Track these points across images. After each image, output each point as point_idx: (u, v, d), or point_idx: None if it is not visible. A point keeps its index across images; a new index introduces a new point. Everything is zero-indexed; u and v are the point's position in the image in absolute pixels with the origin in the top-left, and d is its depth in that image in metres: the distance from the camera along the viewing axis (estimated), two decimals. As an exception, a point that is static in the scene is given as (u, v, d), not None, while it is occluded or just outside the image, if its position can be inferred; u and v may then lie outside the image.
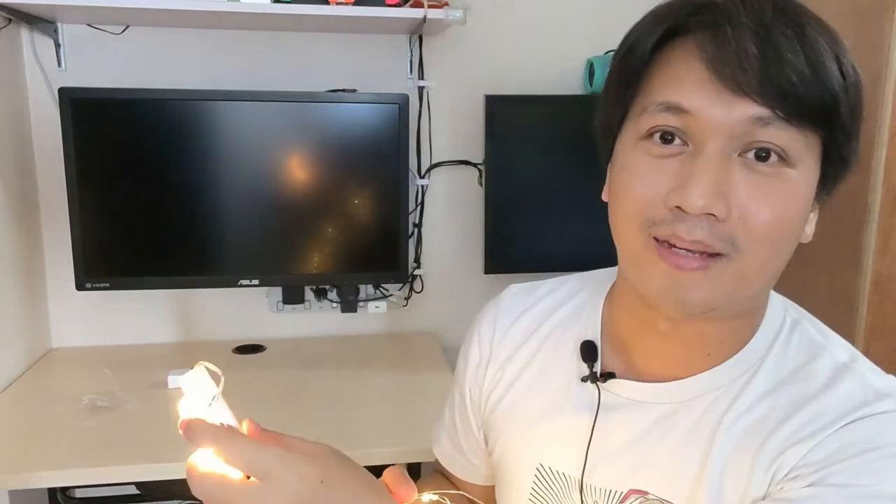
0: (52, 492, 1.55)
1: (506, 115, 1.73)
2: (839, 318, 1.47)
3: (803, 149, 0.55)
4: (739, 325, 0.64)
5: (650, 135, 0.58)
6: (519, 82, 1.78)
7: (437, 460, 0.90)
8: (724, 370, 0.64)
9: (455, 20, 1.55)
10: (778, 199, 0.55)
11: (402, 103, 1.60)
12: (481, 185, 1.83)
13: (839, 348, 0.65)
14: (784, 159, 0.55)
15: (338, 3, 1.51)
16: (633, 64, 0.59)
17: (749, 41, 0.52)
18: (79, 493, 1.63)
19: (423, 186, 1.84)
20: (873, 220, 1.55)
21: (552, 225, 1.76)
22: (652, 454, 0.65)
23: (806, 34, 0.53)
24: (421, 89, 1.79)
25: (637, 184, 0.58)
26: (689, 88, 0.55)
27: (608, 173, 0.65)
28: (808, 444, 0.58)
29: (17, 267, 1.60)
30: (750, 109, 0.53)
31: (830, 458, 0.56)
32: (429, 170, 1.84)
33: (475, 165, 1.85)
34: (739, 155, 0.55)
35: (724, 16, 0.54)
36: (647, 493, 0.65)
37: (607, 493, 0.67)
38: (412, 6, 1.53)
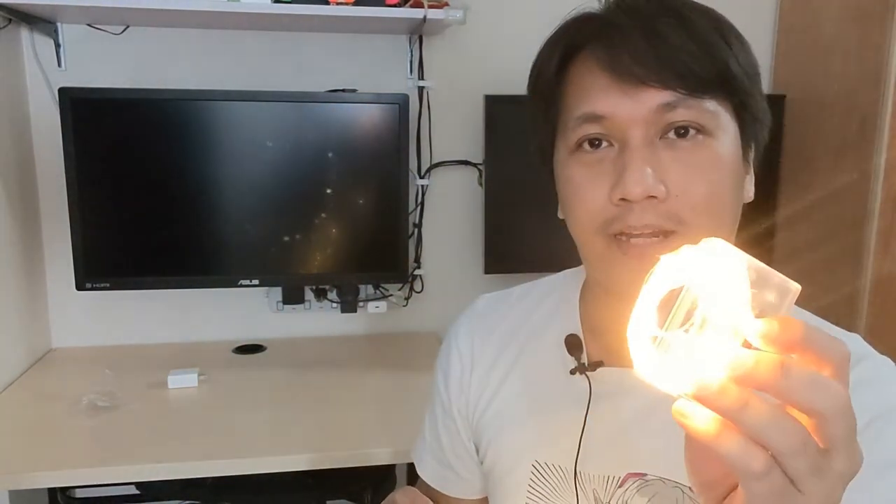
0: (52, 492, 1.56)
1: (506, 115, 1.73)
2: (839, 318, 1.47)
3: (717, 117, 0.59)
4: None
5: (578, 146, 0.62)
6: (519, 82, 1.75)
7: (420, 483, 0.87)
8: None
9: (455, 20, 1.55)
10: (707, 168, 0.59)
11: (402, 103, 1.60)
12: (481, 185, 1.83)
13: (804, 317, 0.68)
14: (701, 131, 0.59)
15: (338, 3, 1.51)
16: (544, 88, 0.65)
17: (636, 38, 0.58)
18: (79, 493, 1.64)
19: (423, 186, 1.84)
20: (873, 220, 1.55)
21: (552, 225, 1.75)
22: (646, 436, 0.66)
23: (685, 17, 0.58)
24: (421, 89, 1.79)
25: (580, 194, 0.62)
26: (597, 96, 0.60)
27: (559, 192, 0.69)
28: None
29: (17, 267, 1.61)
30: (656, 97, 0.58)
31: None
32: (429, 170, 1.84)
33: (475, 165, 1.85)
34: (661, 138, 0.59)
35: (607, 23, 0.60)
36: (645, 474, 0.66)
37: (605, 479, 0.68)
38: (412, 6, 1.53)
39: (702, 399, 0.37)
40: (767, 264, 0.39)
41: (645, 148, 0.58)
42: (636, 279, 0.58)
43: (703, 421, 0.37)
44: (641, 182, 0.57)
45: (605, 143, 0.61)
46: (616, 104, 0.59)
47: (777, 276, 0.38)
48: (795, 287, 0.38)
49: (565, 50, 0.63)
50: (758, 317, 0.38)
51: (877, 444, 0.58)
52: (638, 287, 0.59)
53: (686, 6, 0.60)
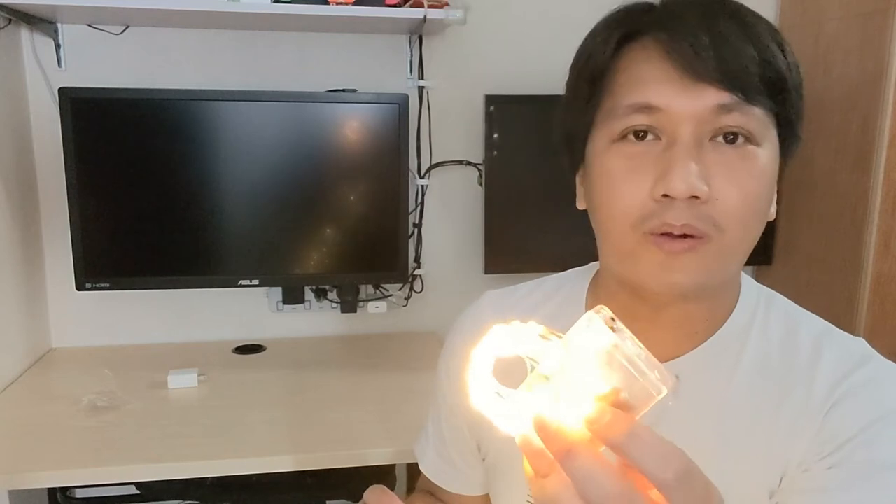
0: (52, 492, 1.56)
1: (506, 115, 1.73)
2: (839, 318, 1.47)
3: (765, 127, 0.59)
4: (720, 300, 0.67)
5: (623, 136, 0.60)
6: (519, 82, 1.77)
7: (423, 479, 0.88)
8: (713, 344, 0.66)
9: (455, 20, 1.55)
10: (750, 177, 0.58)
11: (402, 103, 1.60)
12: (481, 185, 1.83)
13: (812, 319, 0.68)
14: (750, 139, 0.58)
15: (338, 3, 1.51)
16: (594, 71, 0.62)
17: (702, 35, 0.56)
18: (79, 493, 1.64)
19: (423, 186, 1.84)
20: (873, 220, 1.55)
21: (552, 225, 1.76)
22: None
23: (747, 23, 0.58)
24: (421, 89, 1.79)
25: (620, 185, 0.60)
26: (654, 86, 0.58)
27: (578, 182, 0.68)
28: (811, 425, 0.61)
29: (17, 267, 1.60)
30: (714, 97, 0.57)
31: (841, 433, 0.59)
32: (429, 170, 1.84)
33: (475, 165, 1.85)
34: (710, 140, 0.58)
35: (673, 15, 0.59)
36: None
37: None
38: (412, 6, 1.53)
39: (522, 448, 0.41)
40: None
41: (694, 147, 0.57)
42: (658, 273, 0.59)
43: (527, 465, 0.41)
44: (687, 180, 0.56)
45: (650, 136, 0.59)
46: (673, 97, 0.57)
47: (649, 375, 0.39)
48: (660, 392, 0.39)
49: (624, 34, 0.61)
50: (624, 399, 0.39)
51: (874, 446, 0.58)
52: (664, 284, 0.60)
53: (746, 11, 0.59)
